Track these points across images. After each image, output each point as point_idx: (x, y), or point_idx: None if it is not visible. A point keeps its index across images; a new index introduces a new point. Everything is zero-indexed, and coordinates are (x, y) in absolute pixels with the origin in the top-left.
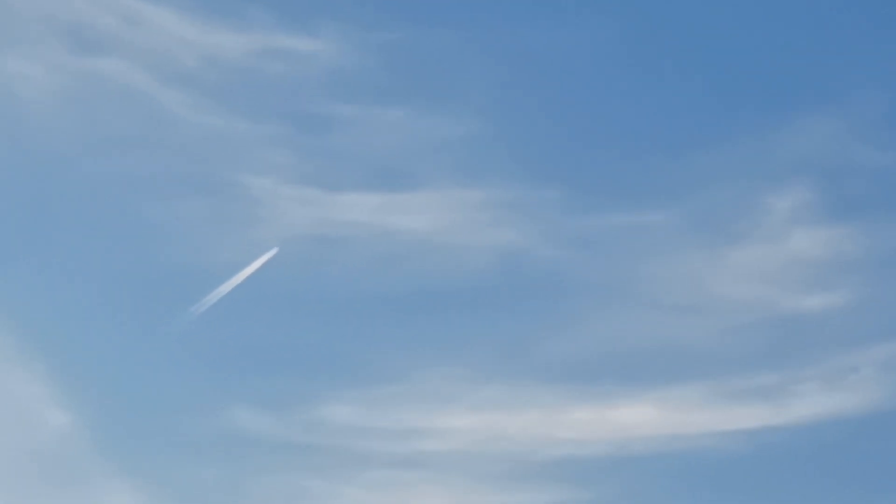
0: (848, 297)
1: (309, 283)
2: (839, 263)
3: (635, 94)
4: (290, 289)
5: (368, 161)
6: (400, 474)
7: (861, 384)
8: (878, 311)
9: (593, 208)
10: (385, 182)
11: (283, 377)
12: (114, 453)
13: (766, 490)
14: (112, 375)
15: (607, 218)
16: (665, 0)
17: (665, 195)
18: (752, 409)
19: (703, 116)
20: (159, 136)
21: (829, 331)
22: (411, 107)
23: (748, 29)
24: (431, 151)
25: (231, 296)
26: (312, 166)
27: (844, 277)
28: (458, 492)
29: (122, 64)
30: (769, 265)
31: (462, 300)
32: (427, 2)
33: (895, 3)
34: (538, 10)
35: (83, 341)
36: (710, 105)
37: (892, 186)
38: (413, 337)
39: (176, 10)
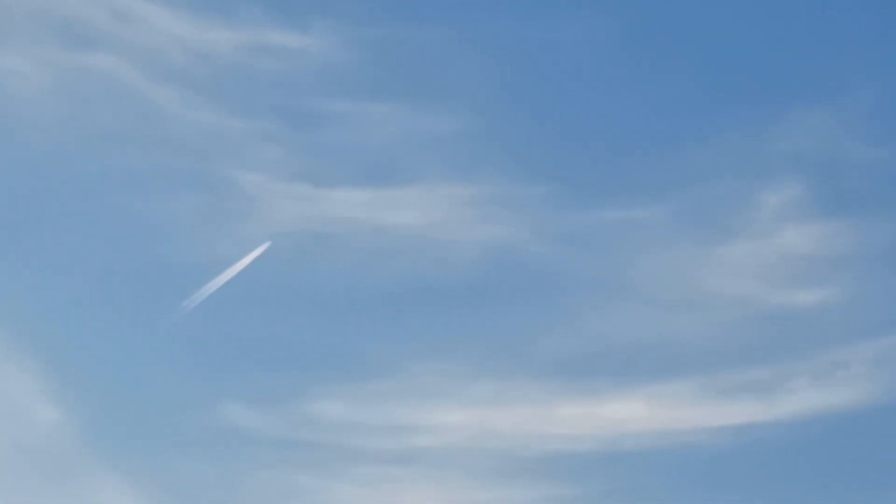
0: (839, 292)
1: (300, 279)
2: (831, 259)
3: (627, 90)
4: (282, 284)
5: (360, 157)
6: (391, 470)
7: (852, 380)
8: (870, 306)
9: (585, 204)
10: (376, 178)
11: (275, 373)
12: (105, 449)
13: (757, 485)
14: (104, 371)
15: (599, 214)
16: None
17: (656, 191)
18: (742, 405)
19: (695, 112)
20: (150, 132)
21: (820, 326)
22: (402, 102)
23: (739, 25)
24: (423, 147)
25: (223, 291)
26: (304, 162)
27: (836, 273)
28: (449, 488)
29: (114, 60)
30: (760, 261)
31: (453, 296)
32: None
33: None
34: (529, 6)
35: (75, 337)
36: (702, 101)
37: (883, 182)
38: (404, 333)
39: (167, 7)
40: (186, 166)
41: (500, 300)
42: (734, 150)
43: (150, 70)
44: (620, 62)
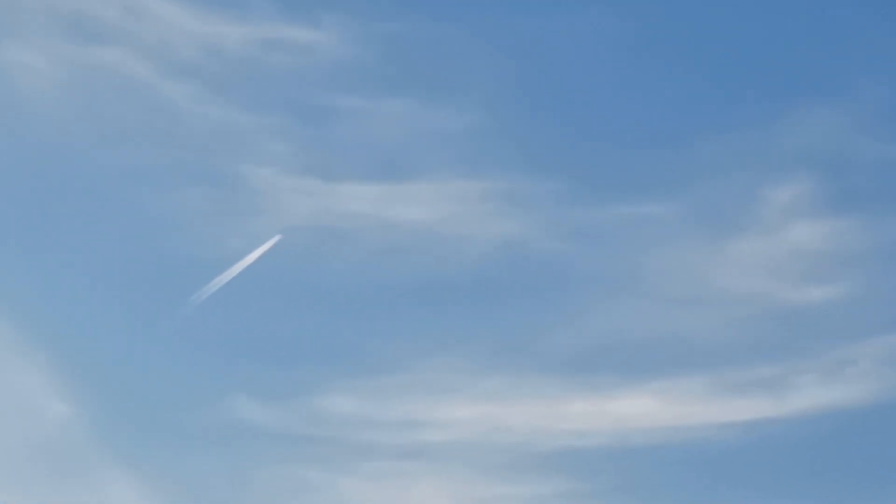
0: (848, 289)
1: (310, 274)
2: (840, 256)
3: (637, 87)
4: (292, 279)
5: (370, 152)
6: (401, 465)
7: (860, 377)
8: (878, 303)
9: (594, 200)
10: (386, 173)
11: (284, 368)
12: (114, 444)
13: (765, 481)
14: (113, 366)
15: (609, 210)
16: None
17: (666, 187)
18: (751, 401)
19: (705, 108)
20: (161, 126)
21: (829, 323)
22: (413, 98)
23: (749, 21)
24: (433, 142)
25: (232, 286)
26: (314, 157)
27: (845, 270)
28: (458, 483)
29: (124, 54)
30: (770, 257)
31: (463, 291)
32: None
33: None
34: (540, 3)
35: (84, 332)
36: (712, 97)
37: (893, 178)
38: (414, 328)
39: (177, 1)
40: (196, 161)
41: (510, 296)
42: (744, 146)
43: (161, 65)
44: (630, 59)
